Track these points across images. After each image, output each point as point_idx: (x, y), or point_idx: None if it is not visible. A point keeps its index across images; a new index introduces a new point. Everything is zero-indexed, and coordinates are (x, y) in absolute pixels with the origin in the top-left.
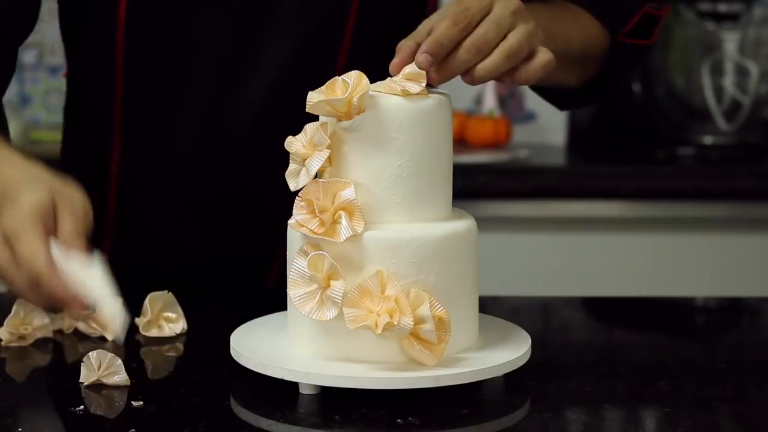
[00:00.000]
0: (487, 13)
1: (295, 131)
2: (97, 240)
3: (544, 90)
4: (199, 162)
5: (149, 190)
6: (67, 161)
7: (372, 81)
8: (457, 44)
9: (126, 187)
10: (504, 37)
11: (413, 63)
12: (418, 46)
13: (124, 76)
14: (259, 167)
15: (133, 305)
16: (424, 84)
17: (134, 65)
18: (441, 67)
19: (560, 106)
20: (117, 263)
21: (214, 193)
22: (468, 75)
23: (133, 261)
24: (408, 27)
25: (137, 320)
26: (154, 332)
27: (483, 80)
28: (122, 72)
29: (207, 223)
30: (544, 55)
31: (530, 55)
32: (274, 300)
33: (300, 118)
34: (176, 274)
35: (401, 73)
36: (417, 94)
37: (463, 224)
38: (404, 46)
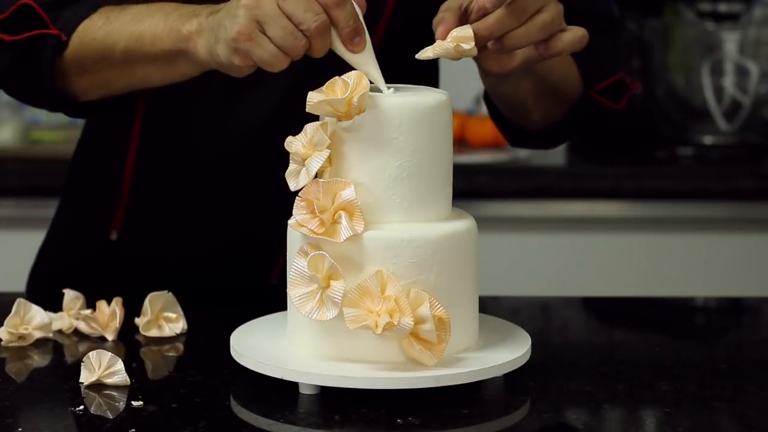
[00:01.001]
0: None
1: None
2: (109, 217)
3: (504, 122)
4: (216, 143)
5: (166, 169)
6: (87, 139)
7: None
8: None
9: (143, 166)
10: (539, 11)
11: (459, 27)
12: (461, 12)
13: None
14: (274, 152)
15: (133, 305)
16: (473, 44)
17: None
18: (479, 26)
19: (512, 142)
20: (126, 246)
21: (229, 174)
22: (499, 42)
23: (143, 244)
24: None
25: (137, 320)
26: (154, 332)
27: (514, 47)
28: None
29: (219, 204)
30: (577, 30)
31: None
32: (275, 299)
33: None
34: (184, 261)
35: (449, 36)
36: (469, 50)
37: (463, 224)
38: (446, 16)
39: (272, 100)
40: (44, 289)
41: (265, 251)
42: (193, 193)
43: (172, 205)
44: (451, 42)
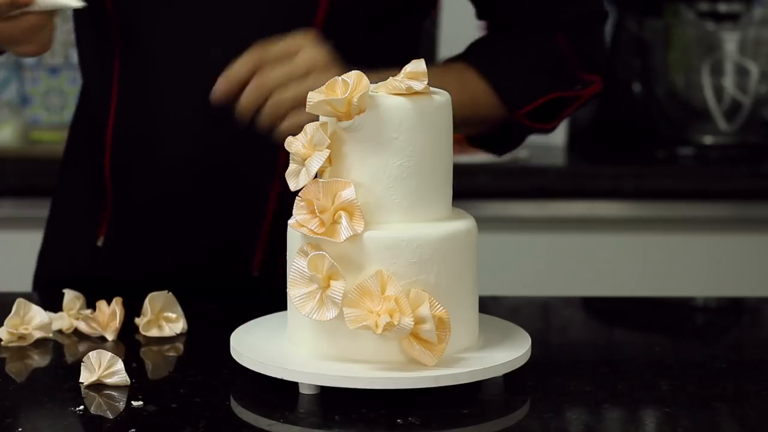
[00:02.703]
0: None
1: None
2: (95, 220)
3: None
4: (187, 125)
5: (141, 171)
6: (69, 144)
7: (350, 50)
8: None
9: (119, 172)
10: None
11: (414, 61)
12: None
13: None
14: (239, 134)
15: (133, 305)
16: (425, 82)
17: (126, 32)
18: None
19: (468, 142)
20: (114, 251)
21: (202, 155)
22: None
23: (129, 247)
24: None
25: (137, 320)
26: (154, 332)
27: (274, 115)
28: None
29: (196, 193)
30: (291, 121)
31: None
32: (275, 299)
33: None
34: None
35: (402, 71)
36: (420, 92)
37: (463, 224)
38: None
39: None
40: (48, 291)
41: (244, 241)
42: (174, 198)
43: (153, 211)
44: (403, 81)
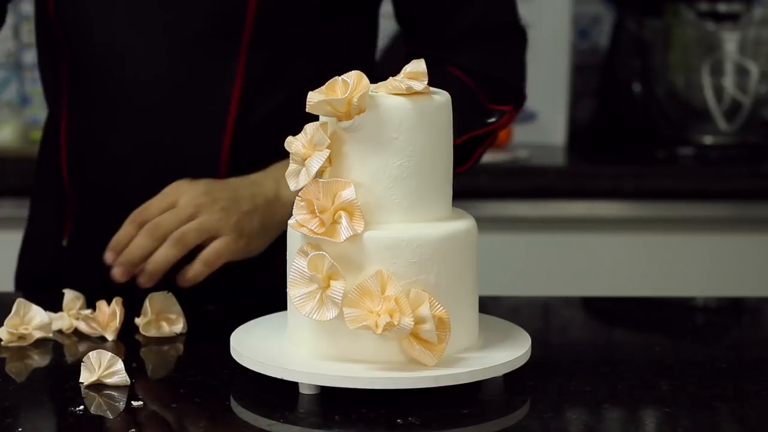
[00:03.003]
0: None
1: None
2: (60, 221)
3: None
4: (134, 123)
5: (94, 159)
6: (40, 150)
7: (282, 46)
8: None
9: (75, 176)
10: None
11: (414, 61)
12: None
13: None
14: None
15: (133, 305)
16: (425, 82)
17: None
18: (125, 256)
19: None
20: (77, 251)
21: (150, 150)
22: (143, 272)
23: (92, 248)
24: None
25: (137, 320)
26: (154, 332)
27: (156, 273)
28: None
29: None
30: (210, 249)
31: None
32: (275, 299)
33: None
34: None
35: (402, 72)
36: (420, 92)
37: (463, 224)
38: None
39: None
40: (24, 290)
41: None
42: (127, 197)
43: (110, 211)
44: (403, 81)
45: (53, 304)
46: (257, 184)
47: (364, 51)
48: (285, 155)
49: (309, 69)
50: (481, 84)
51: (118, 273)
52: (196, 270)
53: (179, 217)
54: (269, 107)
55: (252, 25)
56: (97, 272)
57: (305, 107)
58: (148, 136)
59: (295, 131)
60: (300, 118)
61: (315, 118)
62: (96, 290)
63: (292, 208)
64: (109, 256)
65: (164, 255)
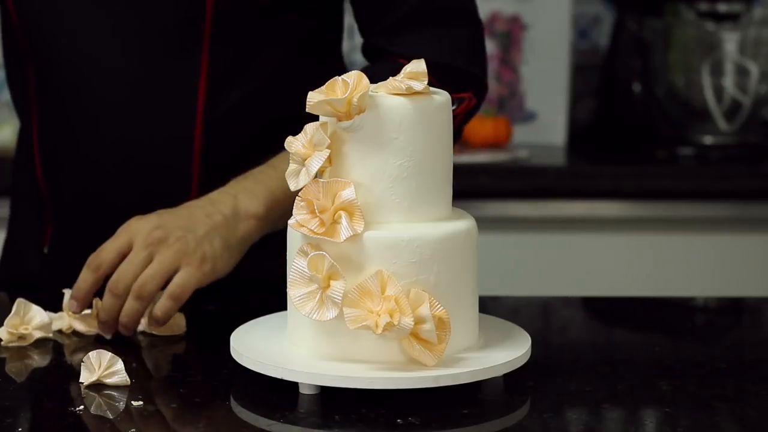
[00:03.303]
0: (126, 254)
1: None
2: (40, 229)
3: None
4: (103, 123)
5: (67, 164)
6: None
7: (243, 38)
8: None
9: (50, 180)
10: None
11: (414, 61)
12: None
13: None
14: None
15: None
16: (425, 82)
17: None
18: (101, 318)
19: None
20: (58, 258)
21: (120, 150)
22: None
23: (72, 255)
24: None
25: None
26: (154, 332)
27: (131, 325)
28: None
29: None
30: (174, 283)
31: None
32: (275, 299)
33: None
34: None
35: (402, 72)
36: (420, 92)
37: (463, 224)
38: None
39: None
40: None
41: None
42: (104, 204)
43: (87, 217)
44: (403, 81)
45: (53, 305)
46: (213, 202)
47: (330, 42)
48: (257, 144)
49: (272, 60)
50: (432, 72)
51: (102, 330)
52: (165, 307)
53: (134, 268)
54: (237, 99)
55: (211, 19)
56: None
57: (273, 97)
58: (119, 134)
59: (265, 121)
60: (269, 109)
61: (314, 118)
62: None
63: (254, 220)
64: (73, 305)
65: (131, 310)
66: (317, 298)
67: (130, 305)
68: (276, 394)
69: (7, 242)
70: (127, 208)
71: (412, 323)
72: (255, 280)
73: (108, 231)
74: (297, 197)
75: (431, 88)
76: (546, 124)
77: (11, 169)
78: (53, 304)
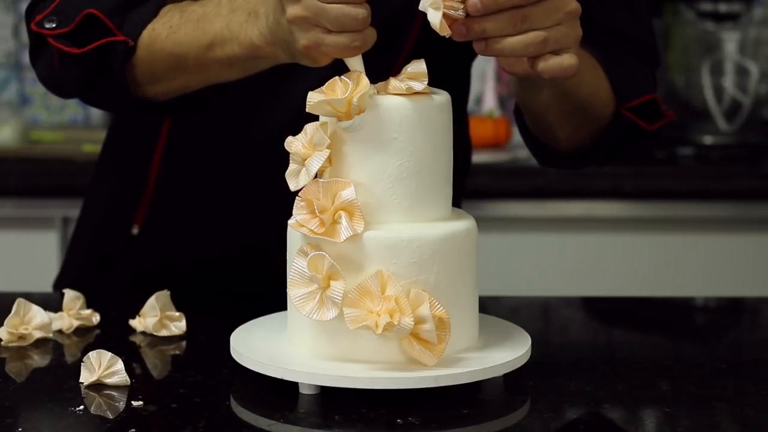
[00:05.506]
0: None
1: None
2: (133, 211)
3: (532, 140)
4: (242, 147)
5: (190, 169)
6: (115, 136)
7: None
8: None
9: (168, 165)
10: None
11: (414, 61)
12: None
13: None
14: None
15: (133, 305)
16: (425, 82)
17: None
18: (472, 21)
19: (540, 161)
20: (147, 242)
21: (251, 180)
22: (483, 42)
23: (162, 242)
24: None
25: (137, 320)
26: (154, 332)
27: (494, 53)
28: None
29: (239, 211)
30: (568, 58)
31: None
32: (275, 299)
33: None
34: (195, 266)
35: (403, 71)
36: (420, 92)
37: (463, 224)
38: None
39: (298, 104)
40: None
41: (273, 266)
42: (214, 196)
43: (193, 207)
44: (403, 81)
45: (55, 304)
46: None
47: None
48: None
49: None
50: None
51: (472, 7)
52: (518, 41)
53: (546, 18)
54: None
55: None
56: (164, 258)
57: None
58: (242, 163)
59: None
60: None
61: (315, 118)
62: (154, 280)
63: None
64: (472, 5)
65: (513, 46)
66: (317, 298)
67: (519, 42)
68: (276, 394)
69: (82, 228)
70: (231, 214)
71: (412, 323)
72: (255, 279)
73: (206, 227)
74: (297, 197)
75: (431, 88)
76: None
77: (103, 145)
78: (53, 305)
